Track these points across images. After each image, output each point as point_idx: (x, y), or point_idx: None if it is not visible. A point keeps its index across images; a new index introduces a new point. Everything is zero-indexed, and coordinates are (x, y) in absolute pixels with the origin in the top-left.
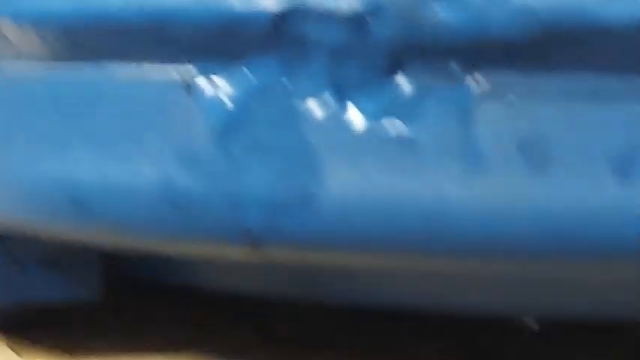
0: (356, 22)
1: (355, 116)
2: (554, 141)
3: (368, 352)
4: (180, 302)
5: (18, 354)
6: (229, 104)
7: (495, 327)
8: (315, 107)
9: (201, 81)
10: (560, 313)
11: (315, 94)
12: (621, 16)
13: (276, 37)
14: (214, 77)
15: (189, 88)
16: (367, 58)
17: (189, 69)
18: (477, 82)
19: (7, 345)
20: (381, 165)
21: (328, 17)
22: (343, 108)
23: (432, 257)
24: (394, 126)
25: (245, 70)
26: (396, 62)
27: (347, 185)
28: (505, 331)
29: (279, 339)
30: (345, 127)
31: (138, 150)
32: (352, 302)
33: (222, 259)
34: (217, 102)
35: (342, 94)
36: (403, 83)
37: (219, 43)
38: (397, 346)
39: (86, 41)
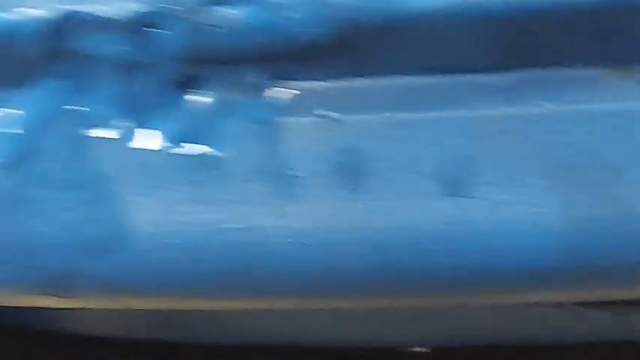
0: (138, 31)
1: (150, 141)
2: (372, 156)
3: None
4: None
5: None
6: (17, 135)
7: None
8: (105, 134)
9: None
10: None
11: (103, 118)
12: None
13: (55, 53)
14: None
15: None
16: (156, 73)
17: None
18: (279, 93)
19: None
20: (185, 194)
21: (107, 27)
22: (136, 132)
23: (250, 295)
24: (194, 148)
25: (29, 95)
26: (188, 76)
27: (150, 220)
28: None
29: None
30: (139, 154)
31: None
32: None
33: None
34: (3, 134)
35: (133, 116)
36: (199, 99)
37: None
38: None
39: None
